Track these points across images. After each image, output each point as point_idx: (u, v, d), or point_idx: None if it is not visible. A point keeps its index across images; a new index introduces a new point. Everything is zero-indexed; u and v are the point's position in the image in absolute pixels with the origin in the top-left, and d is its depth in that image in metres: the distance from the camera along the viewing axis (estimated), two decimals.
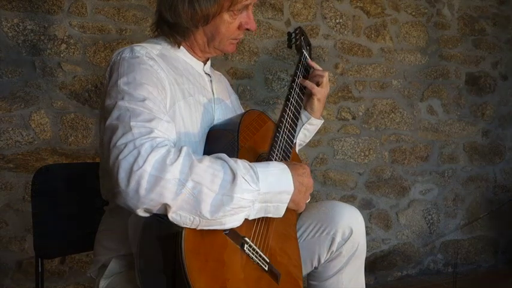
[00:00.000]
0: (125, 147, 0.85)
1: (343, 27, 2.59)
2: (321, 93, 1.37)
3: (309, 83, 1.35)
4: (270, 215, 0.97)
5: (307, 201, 1.05)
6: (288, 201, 0.97)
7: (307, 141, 1.49)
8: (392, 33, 2.71)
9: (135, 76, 0.99)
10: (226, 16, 1.11)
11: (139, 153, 0.83)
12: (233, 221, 0.89)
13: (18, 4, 1.96)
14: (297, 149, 1.45)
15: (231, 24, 1.13)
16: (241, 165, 0.90)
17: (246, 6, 1.13)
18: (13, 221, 1.96)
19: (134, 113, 0.91)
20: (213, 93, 1.21)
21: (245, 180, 0.88)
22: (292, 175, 0.97)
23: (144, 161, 0.82)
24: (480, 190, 2.98)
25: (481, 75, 2.96)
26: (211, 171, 0.86)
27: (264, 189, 0.91)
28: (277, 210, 0.97)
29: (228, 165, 0.89)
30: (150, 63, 1.03)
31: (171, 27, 1.13)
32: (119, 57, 1.04)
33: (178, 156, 0.85)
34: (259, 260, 1.00)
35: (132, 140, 0.86)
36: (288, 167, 0.98)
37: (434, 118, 2.83)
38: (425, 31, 2.80)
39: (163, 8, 1.11)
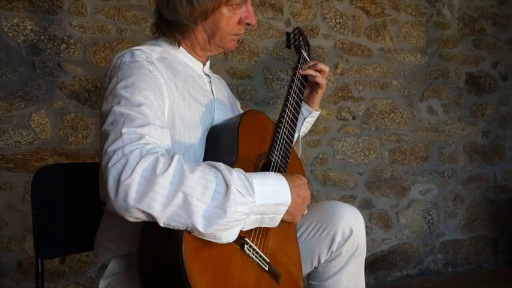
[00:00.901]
0: (113, 154, 0.83)
1: (343, 27, 2.59)
2: (324, 85, 1.40)
3: (320, 78, 1.36)
4: (264, 225, 0.95)
5: (304, 213, 1.04)
6: (284, 212, 0.96)
7: (307, 131, 1.51)
8: (392, 33, 2.71)
9: (133, 81, 0.98)
10: (225, 11, 1.10)
11: (127, 161, 0.81)
12: (228, 236, 0.87)
13: (18, 4, 1.96)
14: (300, 140, 1.46)
15: (230, 19, 1.12)
16: (235, 176, 0.87)
17: (245, 0, 1.13)
18: (13, 221, 1.96)
19: (128, 118, 0.90)
20: (212, 93, 1.21)
21: (239, 192, 0.85)
22: (290, 187, 0.96)
23: (132, 170, 0.80)
24: (480, 190, 2.98)
25: (481, 75, 2.96)
26: (203, 182, 0.83)
27: (259, 201, 0.89)
28: (272, 221, 0.95)
29: (222, 175, 0.85)
30: (150, 68, 1.03)
31: (170, 26, 1.13)
32: (119, 62, 1.04)
33: (169, 165, 0.82)
34: (259, 260, 1.00)
35: (121, 146, 0.84)
36: (285, 178, 0.96)
37: (434, 118, 2.83)
38: (425, 31, 2.80)
39: (161, 7, 1.11)
